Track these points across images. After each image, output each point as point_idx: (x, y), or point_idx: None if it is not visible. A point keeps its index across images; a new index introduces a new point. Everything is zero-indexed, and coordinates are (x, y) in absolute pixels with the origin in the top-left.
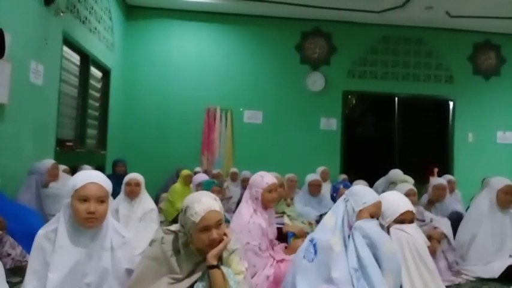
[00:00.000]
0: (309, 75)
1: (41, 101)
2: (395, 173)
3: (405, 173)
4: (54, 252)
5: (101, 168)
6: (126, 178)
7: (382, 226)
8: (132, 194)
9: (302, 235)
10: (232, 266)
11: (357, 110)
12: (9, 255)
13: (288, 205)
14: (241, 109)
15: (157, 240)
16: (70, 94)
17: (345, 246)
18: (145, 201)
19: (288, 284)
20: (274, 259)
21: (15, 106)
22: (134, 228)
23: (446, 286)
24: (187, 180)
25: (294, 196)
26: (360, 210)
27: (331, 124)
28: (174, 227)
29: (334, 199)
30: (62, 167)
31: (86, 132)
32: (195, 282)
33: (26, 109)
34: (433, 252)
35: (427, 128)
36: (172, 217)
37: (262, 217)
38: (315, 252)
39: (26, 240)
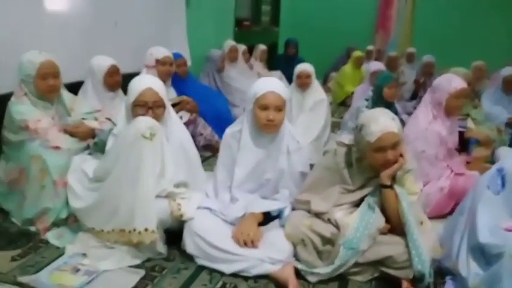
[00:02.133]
0: None
1: None
2: None
3: None
4: (239, 150)
5: (274, 45)
6: (297, 70)
7: None
8: (304, 86)
9: (487, 143)
10: (406, 185)
11: None
12: (201, 134)
13: (475, 107)
14: None
15: (330, 151)
16: None
17: None
18: (316, 91)
19: (465, 210)
20: (451, 171)
21: None
22: (305, 118)
23: None
24: (358, 63)
25: (480, 90)
26: None
27: None
28: (348, 140)
29: None
30: (242, 47)
31: (261, 9)
32: (366, 195)
33: None
34: None
35: None
36: (340, 100)
37: (443, 124)
38: (503, 185)
39: (213, 120)
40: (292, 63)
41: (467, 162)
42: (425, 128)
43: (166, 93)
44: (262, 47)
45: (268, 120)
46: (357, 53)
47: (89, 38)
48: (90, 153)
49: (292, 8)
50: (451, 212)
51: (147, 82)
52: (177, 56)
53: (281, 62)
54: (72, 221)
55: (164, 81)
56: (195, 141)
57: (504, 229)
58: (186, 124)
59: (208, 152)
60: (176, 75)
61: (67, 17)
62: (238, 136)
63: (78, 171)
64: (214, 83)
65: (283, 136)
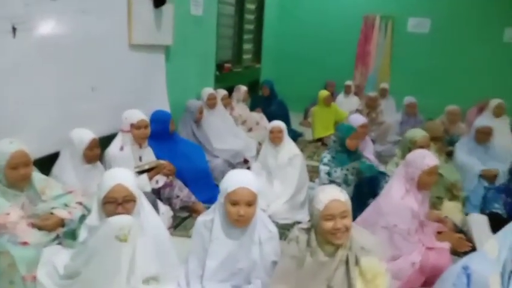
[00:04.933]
0: None
1: (201, 31)
2: None
3: None
4: (211, 241)
5: (256, 82)
6: (269, 126)
7: None
8: (276, 140)
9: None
10: (372, 268)
11: None
12: (178, 196)
13: (446, 161)
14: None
15: (293, 239)
16: (227, 13)
17: (505, 283)
18: (289, 147)
19: None
20: (423, 245)
21: (179, 43)
22: (282, 173)
23: None
24: (327, 102)
25: (455, 135)
26: None
27: None
28: (307, 225)
29: None
30: (221, 92)
31: (242, 48)
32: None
33: (189, 42)
34: None
35: None
36: (319, 136)
37: (415, 198)
38: (468, 284)
39: (192, 178)
40: (270, 103)
41: (439, 232)
42: (398, 204)
43: (136, 186)
44: (243, 88)
45: (239, 216)
46: (323, 94)
47: (65, 105)
48: (60, 243)
49: (274, 44)
50: (421, 286)
51: (116, 178)
52: (170, 115)
53: (260, 102)
54: None
55: (140, 145)
56: (171, 204)
57: None
58: (163, 187)
59: (185, 212)
60: (157, 132)
61: (42, 85)
62: (210, 226)
63: (48, 266)
64: (193, 134)
65: (255, 226)
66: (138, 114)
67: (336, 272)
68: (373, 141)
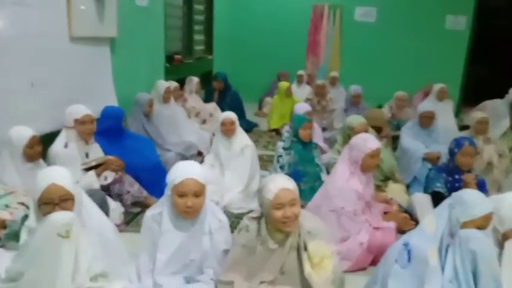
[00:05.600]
0: None
1: (148, 22)
2: None
3: None
4: (160, 234)
5: (208, 73)
6: (221, 118)
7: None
8: (229, 133)
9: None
10: (319, 252)
11: (497, 6)
12: (128, 192)
13: (386, 146)
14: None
15: (243, 228)
16: (175, 4)
17: (443, 256)
18: (241, 137)
19: (378, 280)
20: (370, 225)
21: (124, 35)
22: (235, 164)
23: None
24: (287, 93)
25: (402, 119)
26: (465, 222)
27: (459, 23)
28: (257, 213)
29: (453, 155)
30: (172, 85)
31: (193, 39)
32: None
33: (135, 34)
34: None
35: None
36: (275, 126)
37: (359, 180)
38: (409, 259)
39: (144, 173)
40: (225, 95)
41: (385, 213)
42: (343, 186)
43: (73, 183)
44: (194, 79)
45: (187, 207)
46: (284, 85)
47: (3, 102)
48: (2, 245)
49: (226, 35)
50: (370, 264)
51: (50, 178)
52: (123, 111)
53: (214, 94)
54: None
55: (86, 141)
56: (122, 200)
57: None
58: (112, 184)
59: (138, 208)
60: (109, 128)
61: None
62: (158, 219)
63: None
64: (143, 128)
65: (205, 216)
66: (82, 109)
67: (286, 259)
68: (325, 129)
